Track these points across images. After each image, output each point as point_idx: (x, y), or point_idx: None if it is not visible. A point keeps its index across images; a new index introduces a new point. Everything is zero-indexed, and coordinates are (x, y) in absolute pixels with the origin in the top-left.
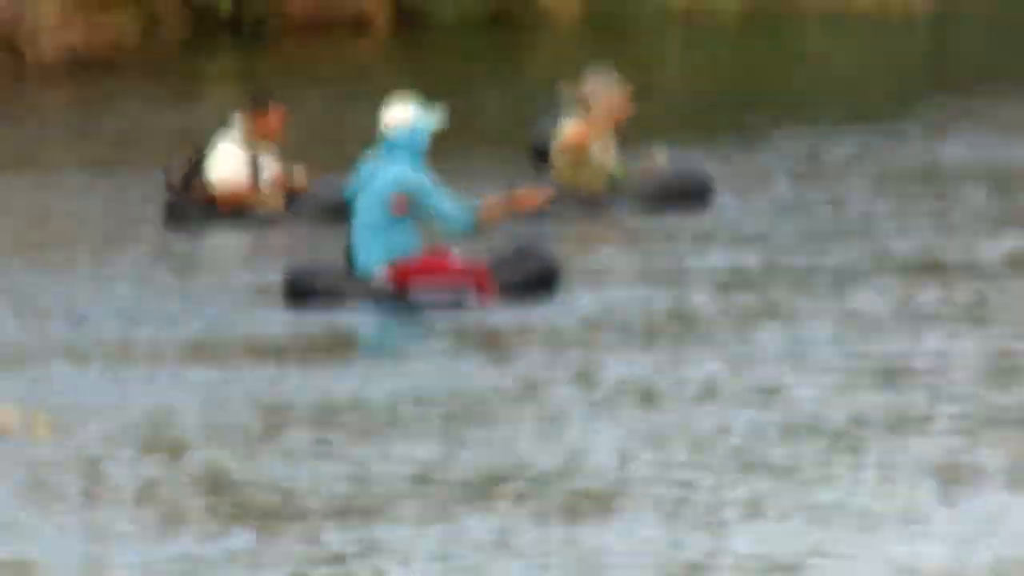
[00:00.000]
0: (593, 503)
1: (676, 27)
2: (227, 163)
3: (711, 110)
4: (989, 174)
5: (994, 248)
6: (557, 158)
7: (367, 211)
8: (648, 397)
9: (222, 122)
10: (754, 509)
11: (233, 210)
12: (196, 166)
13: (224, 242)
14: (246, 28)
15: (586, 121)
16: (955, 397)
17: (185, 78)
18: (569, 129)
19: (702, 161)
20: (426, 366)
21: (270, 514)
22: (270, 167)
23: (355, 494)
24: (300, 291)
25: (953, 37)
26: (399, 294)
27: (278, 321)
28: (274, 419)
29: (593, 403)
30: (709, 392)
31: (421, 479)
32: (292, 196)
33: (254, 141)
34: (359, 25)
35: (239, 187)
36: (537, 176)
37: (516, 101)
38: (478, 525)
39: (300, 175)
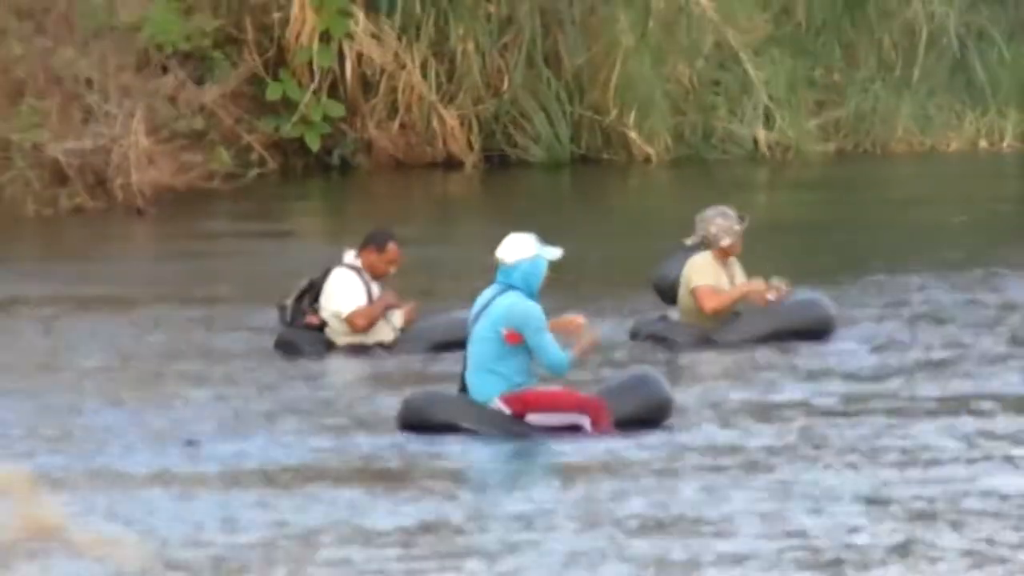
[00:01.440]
0: None
1: (765, 164)
2: (350, 288)
3: (815, 246)
4: None
5: None
6: (685, 299)
7: (482, 341)
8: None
9: (314, 258)
10: None
11: (359, 331)
12: (307, 295)
13: (338, 369)
14: (335, 165)
15: (712, 258)
16: None
17: (276, 213)
18: (699, 286)
19: (820, 295)
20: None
21: None
22: (385, 299)
23: None
24: (417, 419)
25: None
26: (516, 421)
27: (392, 447)
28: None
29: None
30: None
31: None
32: (403, 329)
33: (367, 275)
34: (448, 164)
35: (365, 310)
36: (662, 316)
37: (618, 238)
38: None
39: (411, 309)
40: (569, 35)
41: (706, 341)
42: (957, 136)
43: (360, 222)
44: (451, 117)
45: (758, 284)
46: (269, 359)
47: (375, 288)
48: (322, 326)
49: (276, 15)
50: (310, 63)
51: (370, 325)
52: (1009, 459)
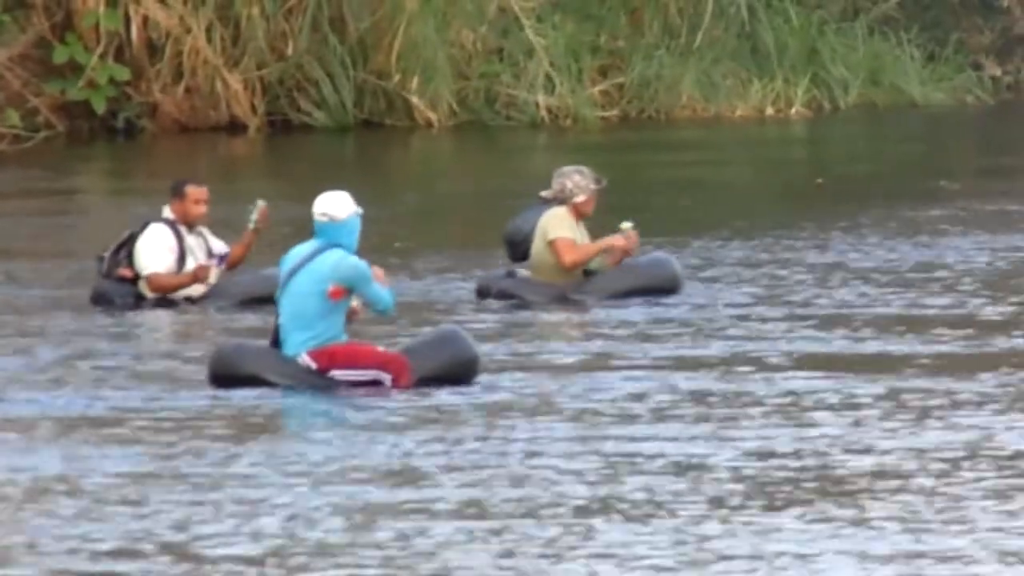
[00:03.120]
0: None
1: (545, 130)
2: (157, 246)
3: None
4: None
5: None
6: (540, 253)
7: (300, 297)
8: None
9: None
10: None
11: (162, 292)
12: (124, 248)
13: (149, 321)
14: (121, 128)
15: (568, 214)
16: None
17: (62, 175)
18: (559, 237)
19: (668, 254)
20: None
21: None
22: (198, 248)
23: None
24: (225, 372)
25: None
26: (321, 376)
27: (202, 398)
28: None
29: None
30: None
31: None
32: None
33: (180, 225)
34: (232, 128)
35: (168, 269)
36: (509, 272)
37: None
38: None
39: (204, 271)
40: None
41: (560, 299)
42: (743, 103)
43: (144, 183)
44: (235, 81)
45: (612, 240)
46: (81, 312)
47: (192, 240)
48: (135, 279)
49: None
50: (97, 26)
51: (161, 291)
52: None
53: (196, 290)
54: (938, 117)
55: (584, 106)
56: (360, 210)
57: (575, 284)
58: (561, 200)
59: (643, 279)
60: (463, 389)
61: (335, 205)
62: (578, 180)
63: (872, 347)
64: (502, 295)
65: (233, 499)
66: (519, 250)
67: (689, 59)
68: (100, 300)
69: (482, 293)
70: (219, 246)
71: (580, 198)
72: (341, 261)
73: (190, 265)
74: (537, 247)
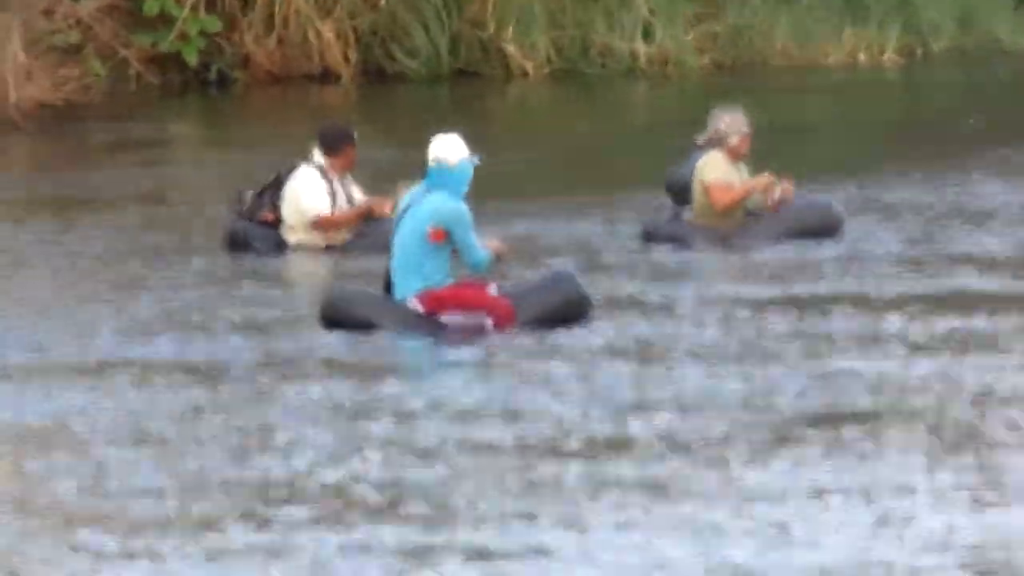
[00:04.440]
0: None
1: (644, 78)
2: (314, 189)
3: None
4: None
5: None
6: (699, 197)
7: (406, 240)
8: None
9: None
10: None
11: (334, 228)
12: (269, 190)
13: (290, 266)
14: (213, 80)
15: (723, 157)
16: None
17: (156, 128)
18: (712, 180)
19: (830, 197)
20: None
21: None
22: (341, 194)
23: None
24: (336, 317)
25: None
26: (429, 321)
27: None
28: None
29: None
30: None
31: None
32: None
33: (329, 172)
34: (325, 78)
35: (332, 218)
36: (675, 215)
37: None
38: None
39: (380, 204)
40: None
41: (722, 242)
42: (836, 50)
43: (240, 133)
44: (328, 30)
45: (765, 178)
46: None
47: (339, 187)
48: (277, 222)
49: None
50: None
51: (333, 230)
52: None
53: (339, 237)
54: None
55: (685, 53)
56: (473, 156)
57: (738, 226)
58: (716, 143)
59: (805, 221)
60: (571, 330)
61: (447, 149)
62: (730, 122)
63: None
64: (668, 238)
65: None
66: (681, 196)
67: (782, 5)
68: (236, 242)
69: (648, 237)
70: (359, 195)
71: (734, 140)
72: (443, 203)
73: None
74: (696, 191)
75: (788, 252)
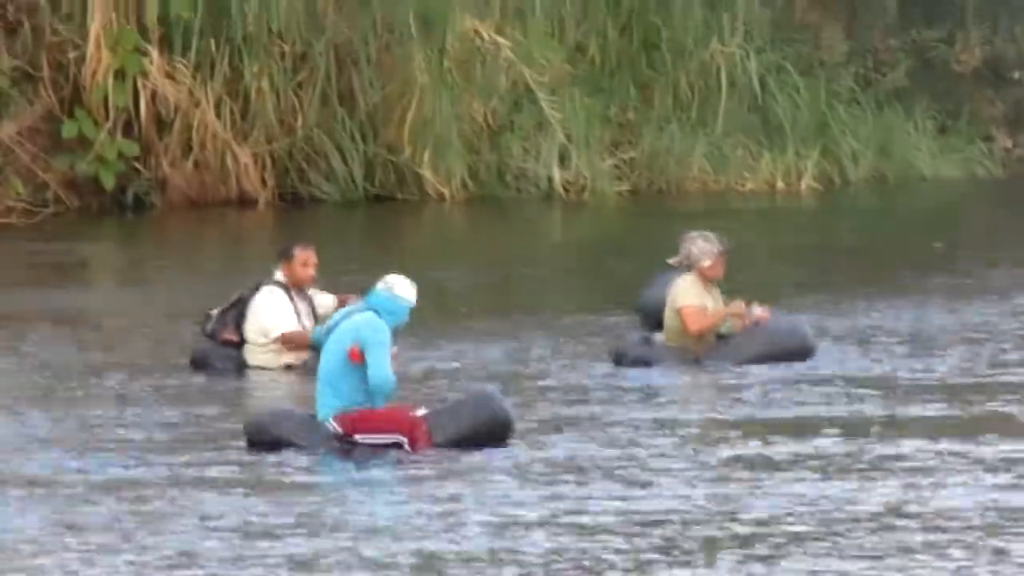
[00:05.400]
0: None
1: (560, 204)
2: (277, 307)
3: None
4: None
5: None
6: (670, 320)
7: (328, 359)
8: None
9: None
10: None
11: (296, 348)
12: (232, 310)
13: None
14: (129, 204)
15: (696, 279)
16: None
17: (71, 250)
18: (685, 305)
19: (801, 319)
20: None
21: None
22: (304, 311)
23: None
24: (258, 436)
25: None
26: (346, 441)
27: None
28: None
29: None
30: None
31: None
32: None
33: (291, 288)
34: (242, 204)
35: (293, 329)
36: (645, 338)
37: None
38: None
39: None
40: (364, 73)
41: (693, 363)
42: (753, 176)
43: (154, 260)
44: (245, 155)
45: (738, 306)
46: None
47: (300, 303)
48: (240, 343)
49: (72, 54)
50: (106, 101)
51: (296, 346)
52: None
53: (301, 356)
54: (950, 188)
55: (601, 179)
56: (414, 303)
57: (709, 349)
58: (688, 266)
59: (775, 344)
60: (485, 451)
61: (397, 281)
62: (702, 245)
63: None
64: (638, 361)
65: None
66: (651, 318)
67: (699, 131)
68: (200, 363)
69: (618, 360)
70: (327, 300)
71: (706, 263)
72: (365, 321)
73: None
74: (668, 314)
75: (759, 373)
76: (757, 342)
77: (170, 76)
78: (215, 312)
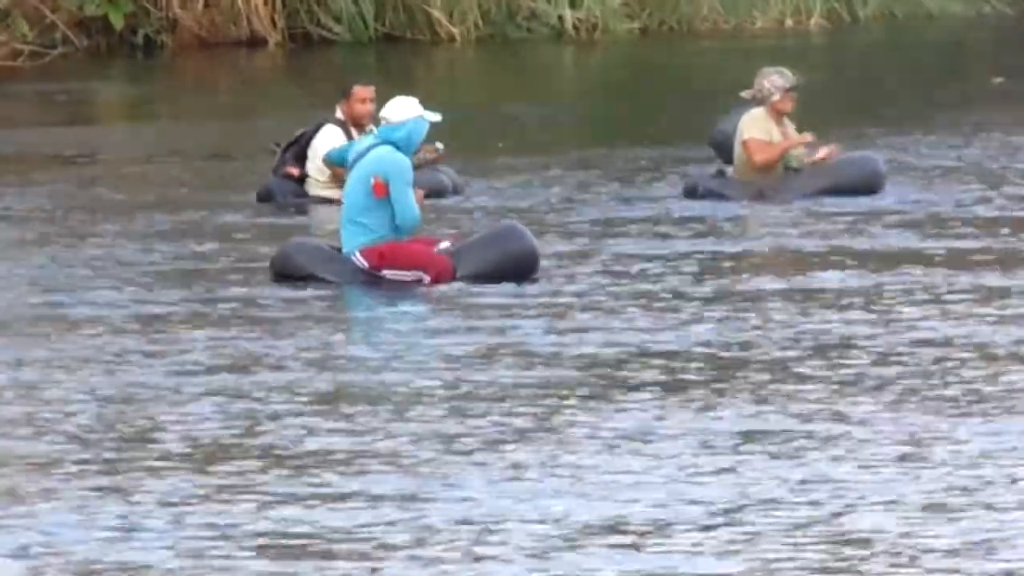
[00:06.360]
0: None
1: (570, 43)
2: (332, 140)
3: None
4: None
5: None
6: (739, 153)
7: (352, 194)
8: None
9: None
10: None
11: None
12: (292, 147)
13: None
14: (140, 44)
15: (765, 113)
16: None
17: (83, 90)
18: (750, 138)
19: (872, 152)
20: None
21: None
22: None
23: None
24: (284, 269)
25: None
26: (372, 274)
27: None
28: None
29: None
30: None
31: None
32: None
33: (350, 125)
34: (252, 44)
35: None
36: (719, 171)
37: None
38: None
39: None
40: None
41: (760, 196)
42: (763, 15)
43: (166, 100)
44: None
45: (805, 136)
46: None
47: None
48: (302, 178)
49: None
50: None
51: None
52: None
53: None
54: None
55: (612, 18)
56: (425, 115)
57: (775, 182)
58: (759, 100)
59: (843, 177)
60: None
61: (393, 109)
62: (775, 79)
63: None
64: (708, 193)
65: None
66: (725, 150)
67: None
68: (264, 196)
69: (689, 192)
70: None
71: (775, 97)
72: (386, 154)
73: None
74: (736, 147)
75: (821, 205)
76: (824, 175)
77: None
78: (278, 149)
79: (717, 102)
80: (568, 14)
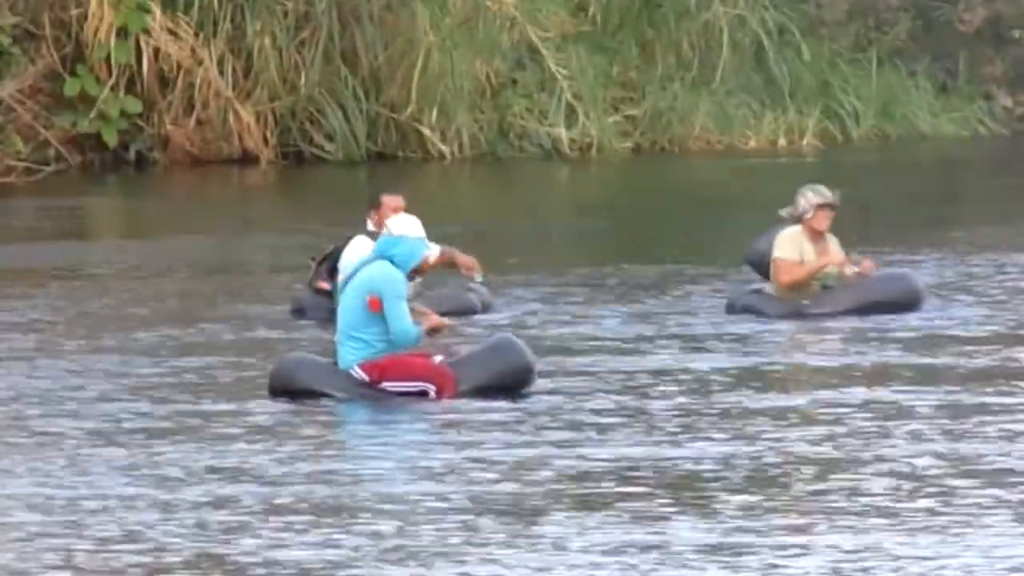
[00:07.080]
0: None
1: (564, 162)
2: (362, 253)
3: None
4: None
5: None
6: (773, 273)
7: (348, 308)
8: None
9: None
10: None
11: None
12: (326, 261)
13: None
14: (132, 160)
15: (800, 233)
16: None
17: (74, 208)
18: (777, 258)
19: (909, 269)
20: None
21: None
22: None
23: None
24: (281, 385)
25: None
26: (372, 387)
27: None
28: None
29: None
30: None
31: None
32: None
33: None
34: (244, 161)
35: None
36: (757, 289)
37: None
38: None
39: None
40: (367, 32)
41: (797, 314)
42: (756, 134)
43: (156, 217)
44: (247, 113)
45: (835, 256)
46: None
47: None
48: (332, 292)
49: (74, 11)
50: (108, 59)
51: None
52: None
53: None
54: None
55: (608, 136)
56: (425, 242)
57: (813, 298)
58: (796, 218)
59: (881, 294)
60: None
61: (398, 224)
62: (809, 196)
63: None
64: (745, 310)
65: None
66: (761, 269)
67: (702, 90)
68: (299, 311)
69: (729, 308)
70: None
71: (809, 215)
72: (378, 271)
73: None
74: (771, 266)
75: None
76: (862, 291)
77: (173, 34)
78: (313, 263)
79: (726, 218)
80: (563, 133)
